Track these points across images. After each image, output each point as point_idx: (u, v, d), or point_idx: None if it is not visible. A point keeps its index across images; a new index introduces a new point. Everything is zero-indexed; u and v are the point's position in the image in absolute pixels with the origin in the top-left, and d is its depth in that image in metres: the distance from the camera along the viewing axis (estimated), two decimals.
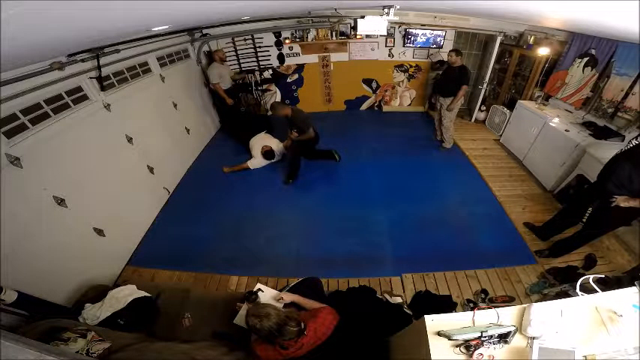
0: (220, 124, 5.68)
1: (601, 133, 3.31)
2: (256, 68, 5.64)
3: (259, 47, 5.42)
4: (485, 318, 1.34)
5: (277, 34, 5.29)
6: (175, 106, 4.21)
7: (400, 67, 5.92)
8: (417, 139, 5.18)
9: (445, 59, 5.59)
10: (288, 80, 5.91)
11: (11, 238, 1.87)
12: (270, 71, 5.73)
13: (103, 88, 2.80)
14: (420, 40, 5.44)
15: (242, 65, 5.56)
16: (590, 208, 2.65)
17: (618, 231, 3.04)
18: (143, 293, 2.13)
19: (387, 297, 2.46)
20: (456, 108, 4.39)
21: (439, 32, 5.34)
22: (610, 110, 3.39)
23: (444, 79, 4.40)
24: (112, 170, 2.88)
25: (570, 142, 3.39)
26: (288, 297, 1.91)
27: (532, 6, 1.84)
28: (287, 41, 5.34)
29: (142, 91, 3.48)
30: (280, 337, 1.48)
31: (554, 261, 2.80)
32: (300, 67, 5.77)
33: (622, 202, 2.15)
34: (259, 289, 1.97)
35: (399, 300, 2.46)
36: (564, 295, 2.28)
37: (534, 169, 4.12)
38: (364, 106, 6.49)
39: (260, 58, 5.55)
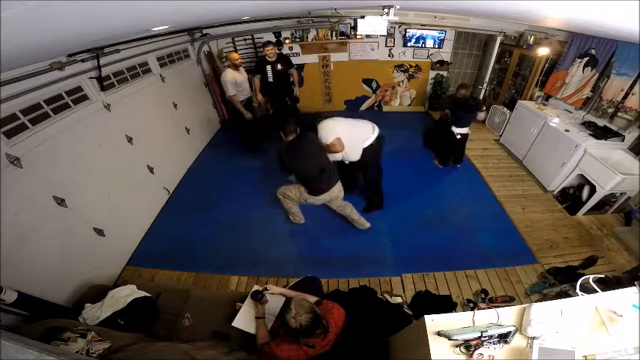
0: (251, 149, 4.77)
1: (601, 133, 3.31)
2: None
3: (259, 47, 5.41)
4: (486, 318, 1.34)
5: (277, 34, 5.28)
6: (175, 106, 4.21)
7: (400, 67, 5.92)
8: (417, 139, 5.17)
9: (445, 59, 5.64)
10: None
11: (11, 238, 1.87)
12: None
13: (103, 88, 2.80)
14: (420, 37, 5.44)
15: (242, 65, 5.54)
16: None
17: (618, 231, 3.05)
18: (143, 293, 2.13)
19: (387, 297, 2.46)
20: None
21: (439, 32, 5.34)
22: (610, 110, 3.39)
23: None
24: (112, 170, 2.87)
25: (570, 142, 3.39)
26: (276, 289, 1.92)
27: (532, 6, 1.84)
28: (287, 41, 5.33)
29: (142, 91, 3.47)
30: (309, 334, 1.41)
31: (555, 261, 2.80)
32: (300, 67, 5.76)
33: None
34: (265, 288, 1.95)
35: (399, 300, 2.46)
36: (564, 295, 2.28)
37: (534, 169, 4.12)
38: (364, 106, 6.49)
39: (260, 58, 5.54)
